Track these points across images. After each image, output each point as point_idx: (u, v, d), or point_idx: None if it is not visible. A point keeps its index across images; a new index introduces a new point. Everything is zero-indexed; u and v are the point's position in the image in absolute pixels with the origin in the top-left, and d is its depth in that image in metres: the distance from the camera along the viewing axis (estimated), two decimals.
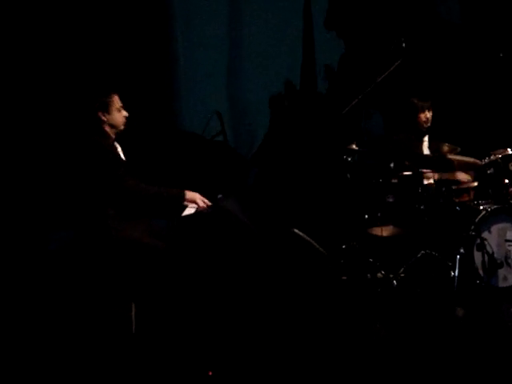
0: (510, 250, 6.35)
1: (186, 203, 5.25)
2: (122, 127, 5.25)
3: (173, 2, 8.25)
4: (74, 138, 5.28)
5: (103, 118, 5.17)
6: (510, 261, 6.34)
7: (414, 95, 7.05)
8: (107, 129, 5.20)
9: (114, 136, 5.24)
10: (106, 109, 5.18)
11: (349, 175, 6.66)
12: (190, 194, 5.25)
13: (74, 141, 5.26)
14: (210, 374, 4.55)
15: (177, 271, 5.07)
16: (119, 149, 5.28)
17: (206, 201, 5.27)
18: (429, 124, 6.99)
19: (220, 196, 5.48)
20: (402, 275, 6.23)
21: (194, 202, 5.24)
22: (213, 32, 8.39)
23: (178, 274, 5.08)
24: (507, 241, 6.35)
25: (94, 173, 5.05)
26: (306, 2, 8.72)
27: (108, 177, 5.04)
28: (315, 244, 6.57)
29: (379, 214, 6.45)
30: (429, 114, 6.97)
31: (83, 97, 5.37)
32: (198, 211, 5.26)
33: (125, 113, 5.24)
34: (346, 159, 6.60)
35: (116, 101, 5.22)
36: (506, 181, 6.50)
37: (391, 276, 6.25)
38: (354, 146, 6.56)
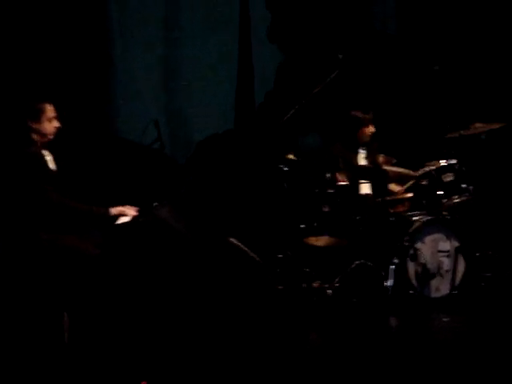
0: (442, 261, 6.43)
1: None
2: (52, 137, 5.19)
3: (110, 7, 8.17)
4: (2, 145, 5.22)
5: (32, 125, 5.10)
6: (442, 271, 6.42)
7: (354, 108, 7.09)
8: (35, 137, 5.13)
9: (41, 145, 5.16)
10: (36, 117, 5.12)
11: (285, 185, 6.68)
12: (115, 210, 5.22)
13: (2, 148, 5.20)
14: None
15: (111, 279, 5.03)
16: (48, 157, 5.21)
17: (134, 211, 5.25)
18: (369, 137, 7.04)
19: (155, 204, 5.45)
20: (337, 285, 6.25)
21: (123, 214, 5.22)
22: (150, 38, 8.34)
23: (112, 281, 5.04)
24: (440, 251, 6.44)
25: (17, 182, 5.00)
26: (242, 9, 8.71)
27: (29, 187, 4.98)
28: (251, 253, 6.56)
29: (315, 224, 6.48)
30: (372, 128, 7.01)
31: (14, 103, 5.30)
32: (133, 219, 5.23)
33: (56, 123, 5.18)
34: (283, 169, 6.62)
35: (48, 110, 5.16)
36: (440, 192, 6.58)
37: (326, 286, 6.27)
38: (290, 156, 6.58)
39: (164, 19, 8.47)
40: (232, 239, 6.53)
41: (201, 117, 8.40)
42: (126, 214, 5.25)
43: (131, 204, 5.40)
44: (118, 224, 5.24)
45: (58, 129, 5.20)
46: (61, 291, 4.98)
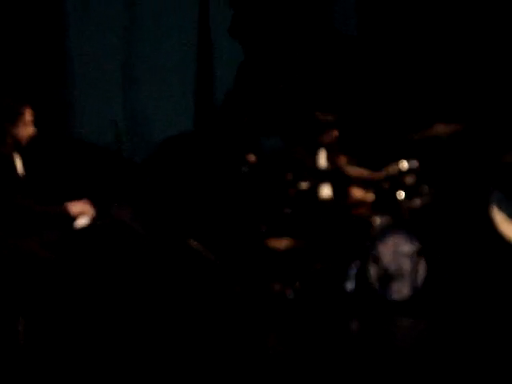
0: (403, 263, 6.45)
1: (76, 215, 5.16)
2: (25, 142, 5.11)
3: (67, 10, 8.09)
4: None
5: (7, 128, 5.01)
6: (403, 274, 6.44)
7: (318, 109, 7.09)
8: (9, 140, 5.04)
9: (13, 148, 5.08)
10: (12, 120, 5.03)
11: (245, 186, 6.67)
12: (73, 208, 5.14)
13: None
14: None
15: (68, 282, 4.97)
16: (18, 161, 5.13)
17: (90, 207, 5.18)
18: (333, 140, 7.05)
19: (114, 206, 5.40)
20: (299, 287, 6.25)
21: (84, 214, 5.15)
22: (108, 38, 8.26)
23: (70, 285, 4.98)
24: (401, 254, 6.46)
25: None
26: (202, 7, 8.67)
27: None
28: (210, 255, 6.53)
29: (276, 226, 6.47)
30: (336, 131, 7.02)
31: None
32: (92, 221, 5.18)
33: (31, 129, 5.11)
34: (243, 170, 6.60)
35: (26, 114, 5.08)
36: (402, 194, 6.60)
37: (287, 288, 6.26)
38: (251, 157, 6.57)
39: (122, 19, 8.40)
40: (192, 241, 6.50)
41: (160, 117, 8.36)
42: (85, 212, 5.16)
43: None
44: (76, 226, 5.18)
45: (32, 134, 5.13)
46: (17, 295, 4.91)
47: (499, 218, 5.75)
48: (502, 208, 5.77)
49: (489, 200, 5.82)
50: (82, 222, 5.19)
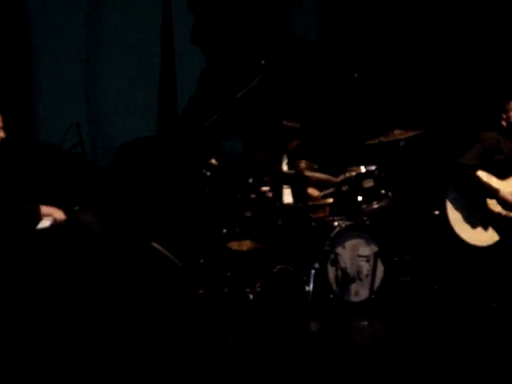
0: (362, 266, 6.50)
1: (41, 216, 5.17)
2: None
3: (30, 12, 8.06)
4: None
5: None
6: (362, 276, 6.49)
7: (283, 116, 7.14)
8: None
9: None
10: None
11: (207, 189, 6.68)
12: (44, 209, 5.17)
13: None
14: None
15: (29, 285, 4.96)
16: None
17: (61, 213, 5.20)
18: (295, 146, 7.12)
19: (77, 208, 5.39)
20: (259, 289, 6.28)
21: (50, 216, 5.16)
22: (71, 40, 8.24)
23: (31, 287, 4.97)
24: (360, 256, 6.51)
25: None
26: (165, 12, 8.68)
27: None
28: (172, 257, 6.53)
29: (237, 229, 6.50)
30: (297, 142, 7.10)
31: None
32: (54, 224, 5.17)
33: (2, 134, 5.14)
34: (205, 173, 6.62)
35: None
36: (360, 198, 6.67)
37: (248, 290, 6.29)
38: (213, 161, 6.59)
39: (85, 22, 8.38)
40: (154, 243, 6.49)
41: (123, 121, 8.34)
42: (54, 215, 5.18)
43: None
44: (38, 229, 5.17)
45: (2, 138, 5.18)
46: None
47: (454, 218, 5.82)
48: (456, 208, 5.84)
49: (444, 201, 5.89)
50: (45, 223, 5.19)
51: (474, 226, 5.79)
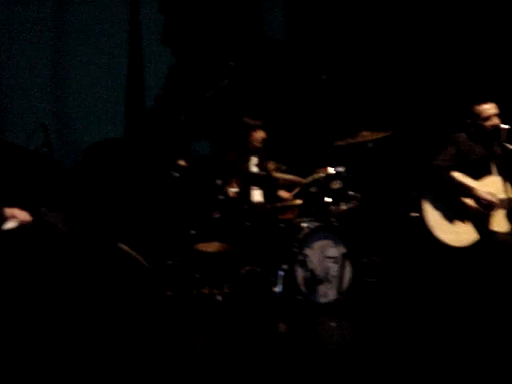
0: (330, 267, 6.53)
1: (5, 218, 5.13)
2: None
3: None
4: None
5: None
6: (330, 277, 6.52)
7: (245, 114, 7.16)
8: None
9: None
10: None
11: (176, 191, 6.66)
12: (8, 211, 5.12)
13: None
14: None
15: None
16: None
17: (26, 215, 5.15)
18: (260, 143, 7.12)
19: (43, 209, 5.36)
20: (227, 291, 6.27)
21: (14, 217, 5.12)
22: (37, 40, 8.18)
23: None
24: (328, 257, 6.54)
25: None
26: (133, 11, 8.64)
27: None
28: (140, 258, 6.51)
29: (205, 230, 6.49)
30: (261, 133, 7.09)
31: None
32: (20, 225, 5.13)
33: None
34: (174, 175, 6.60)
35: None
36: (328, 199, 6.69)
37: (216, 292, 6.28)
38: (181, 163, 6.57)
39: (52, 22, 8.32)
40: (121, 245, 6.46)
41: (90, 121, 8.30)
42: (18, 217, 5.14)
43: (19, 208, 5.29)
44: (3, 229, 5.13)
45: None
46: None
47: (432, 219, 5.83)
48: (434, 210, 5.85)
49: (418, 202, 5.90)
50: (10, 224, 5.15)
51: (452, 226, 5.81)
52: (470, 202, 5.79)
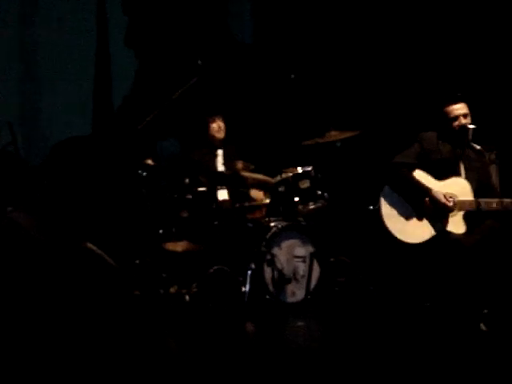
0: (298, 266, 6.54)
1: None
2: None
3: None
4: None
5: None
6: (298, 276, 6.53)
7: (212, 114, 7.21)
8: None
9: None
10: None
11: (144, 190, 6.64)
12: None
13: None
14: None
15: None
16: None
17: None
18: (221, 135, 7.17)
19: (9, 208, 5.32)
20: (195, 290, 6.27)
21: None
22: (4, 37, 8.12)
23: None
24: (296, 257, 6.55)
25: None
26: (99, 12, 8.60)
27: None
28: (108, 258, 6.48)
29: (173, 230, 6.47)
30: (220, 124, 7.15)
31: None
32: None
33: None
34: (141, 174, 6.58)
35: None
36: (296, 198, 6.70)
37: (184, 291, 6.28)
38: (149, 162, 6.56)
39: (19, 19, 8.27)
40: (89, 244, 6.42)
41: (57, 120, 8.25)
42: None
43: None
44: None
45: None
46: None
47: (386, 213, 5.82)
48: (390, 204, 5.84)
49: (379, 197, 5.88)
50: None
51: (407, 223, 5.81)
52: (426, 201, 5.79)
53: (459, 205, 5.73)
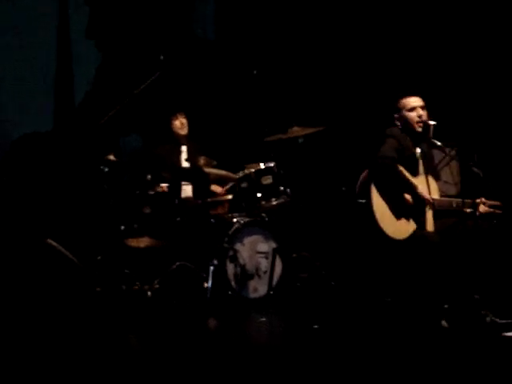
0: (260, 262, 6.56)
1: None
2: None
3: None
4: None
5: None
6: (260, 272, 6.55)
7: (178, 111, 7.22)
8: None
9: None
10: None
11: (105, 186, 6.61)
12: None
13: None
14: None
15: None
16: None
17: None
18: (184, 131, 7.19)
19: None
20: (157, 286, 6.25)
21: None
22: None
23: None
24: (258, 253, 6.56)
25: None
26: (61, 4, 8.54)
27: None
28: (69, 254, 6.44)
29: (135, 226, 6.45)
30: (183, 120, 7.17)
31: None
32: None
33: None
34: (103, 170, 6.55)
35: None
36: (259, 194, 6.71)
37: (146, 287, 6.26)
38: (111, 157, 6.53)
39: None
40: (50, 240, 6.39)
41: (18, 115, 8.19)
42: None
43: None
44: None
45: None
46: None
47: (378, 209, 5.76)
48: (380, 199, 5.77)
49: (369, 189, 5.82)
50: None
51: (394, 218, 5.77)
52: (408, 197, 5.75)
53: (437, 203, 5.73)
